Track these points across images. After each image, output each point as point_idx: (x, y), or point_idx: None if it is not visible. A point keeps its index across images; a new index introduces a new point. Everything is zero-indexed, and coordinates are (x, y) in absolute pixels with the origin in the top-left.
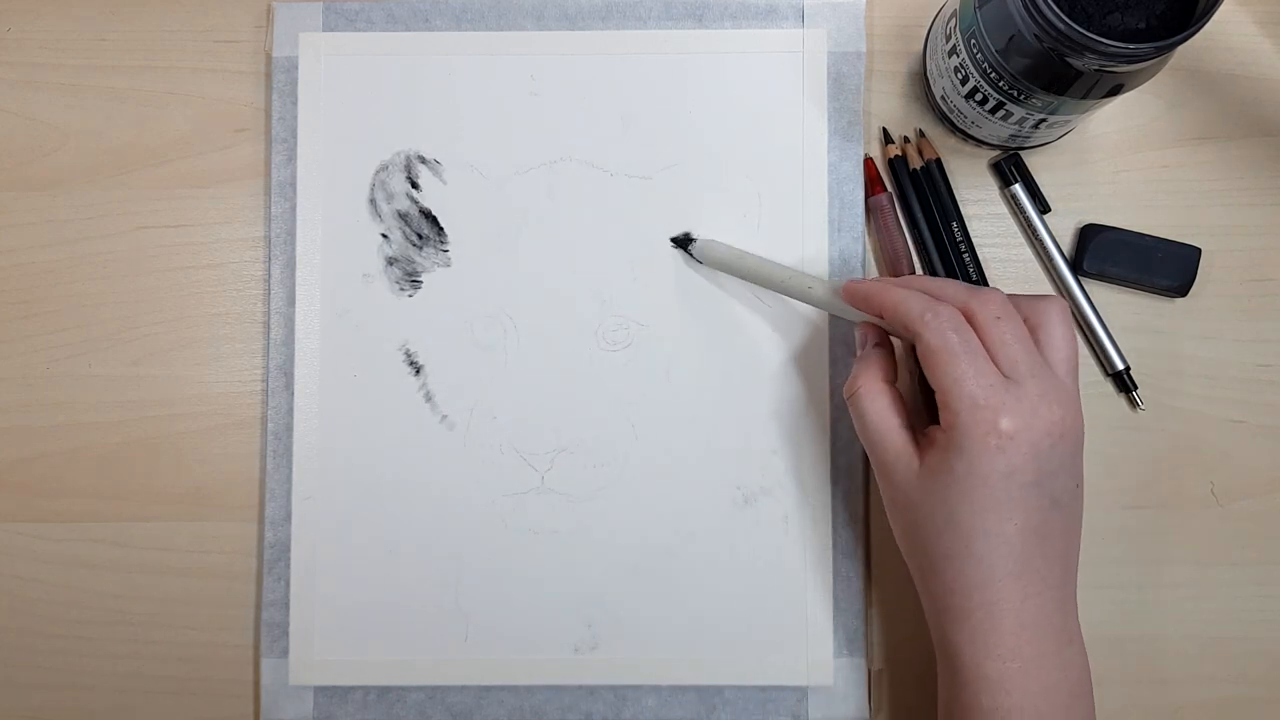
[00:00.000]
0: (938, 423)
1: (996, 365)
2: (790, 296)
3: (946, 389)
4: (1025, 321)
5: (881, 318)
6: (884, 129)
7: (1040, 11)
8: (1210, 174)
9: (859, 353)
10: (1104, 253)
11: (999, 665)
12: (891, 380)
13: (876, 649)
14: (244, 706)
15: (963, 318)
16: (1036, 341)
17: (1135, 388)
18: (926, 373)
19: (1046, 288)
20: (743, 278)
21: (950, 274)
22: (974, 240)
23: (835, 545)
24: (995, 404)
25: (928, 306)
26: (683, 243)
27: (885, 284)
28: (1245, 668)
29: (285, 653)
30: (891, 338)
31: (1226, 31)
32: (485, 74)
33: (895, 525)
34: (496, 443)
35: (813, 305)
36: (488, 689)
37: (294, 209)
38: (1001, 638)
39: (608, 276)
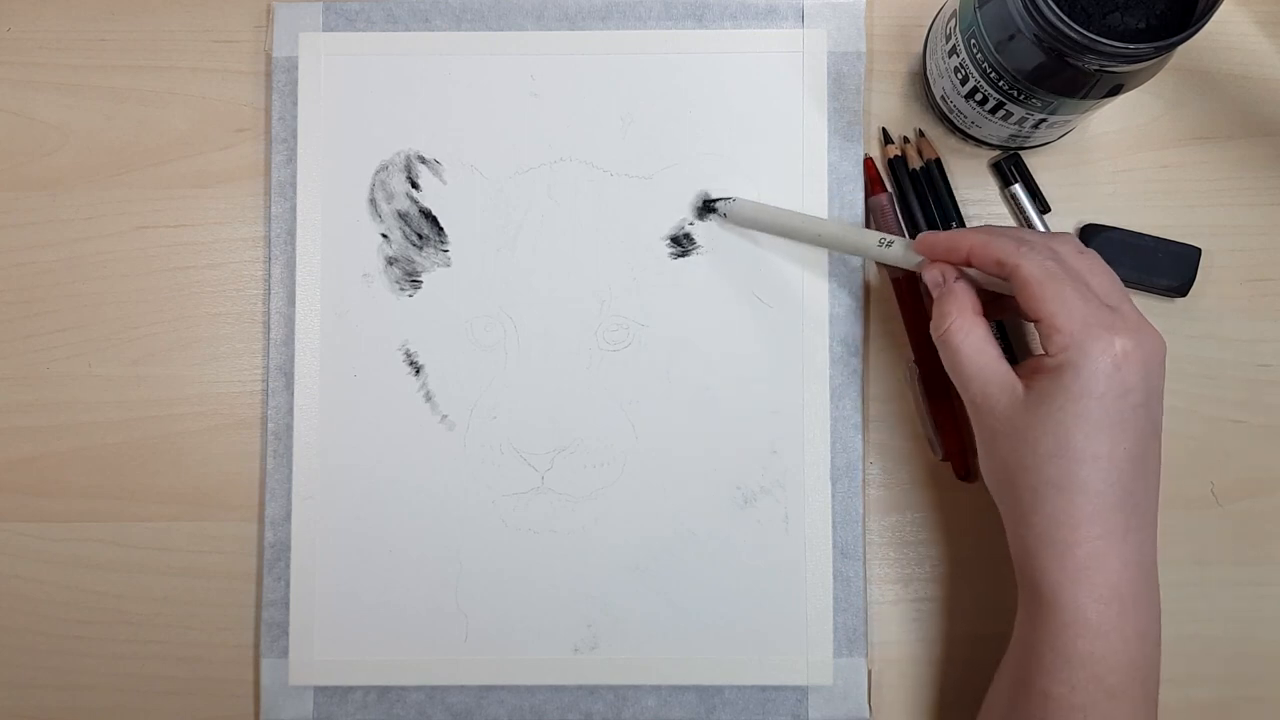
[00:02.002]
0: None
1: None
2: (835, 249)
3: (1054, 312)
4: None
5: (968, 261)
6: (884, 129)
7: (1040, 11)
8: (1210, 174)
9: (937, 293)
10: (1104, 253)
11: (1100, 608)
12: (980, 312)
13: (876, 649)
14: (244, 706)
15: (1053, 250)
16: None
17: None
18: (1026, 303)
19: None
20: (780, 234)
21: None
22: None
23: (835, 545)
24: (1107, 322)
25: (1020, 239)
26: (706, 207)
27: (965, 229)
28: (1245, 668)
29: (285, 653)
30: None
31: (1226, 31)
32: (485, 74)
33: (991, 461)
34: (496, 443)
35: (862, 255)
36: (487, 689)
37: (294, 209)
38: (1106, 576)
39: (607, 276)
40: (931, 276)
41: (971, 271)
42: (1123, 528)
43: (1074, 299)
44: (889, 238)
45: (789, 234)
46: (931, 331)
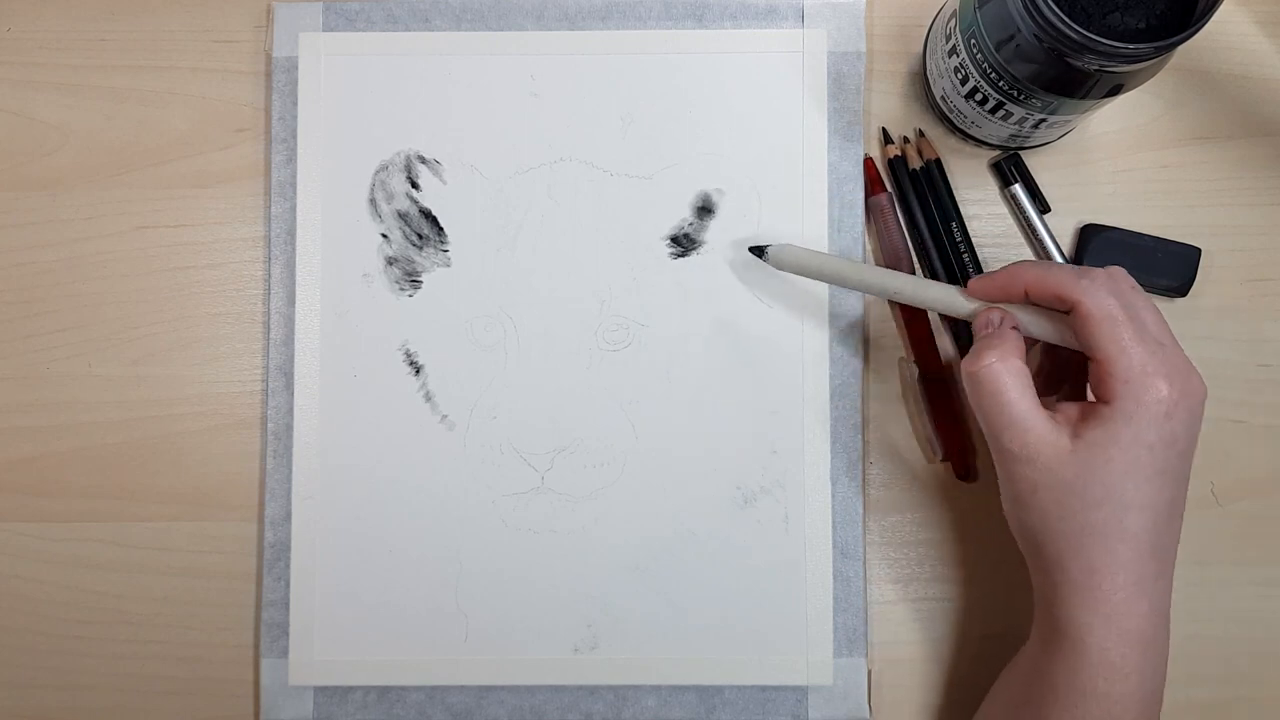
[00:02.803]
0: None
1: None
2: (874, 294)
3: (1112, 356)
4: None
5: (1025, 296)
6: (884, 129)
7: (1040, 11)
8: (1210, 174)
9: (984, 334)
10: (1104, 253)
11: (1124, 650)
12: (1024, 358)
13: (876, 649)
14: (244, 706)
15: (1114, 284)
16: None
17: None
18: (1086, 340)
19: None
20: (824, 280)
21: (950, 275)
22: (974, 240)
23: (835, 545)
24: (1159, 370)
25: (1082, 273)
26: (758, 252)
27: (1019, 265)
28: (1245, 668)
29: (285, 653)
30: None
31: (1226, 31)
32: (485, 74)
33: (1022, 510)
34: (496, 443)
35: (901, 301)
36: (487, 689)
37: (294, 209)
38: (1135, 622)
39: (607, 276)
40: (986, 318)
41: (1023, 318)
42: (1154, 573)
43: (1132, 342)
44: (916, 280)
45: (837, 282)
46: (965, 365)
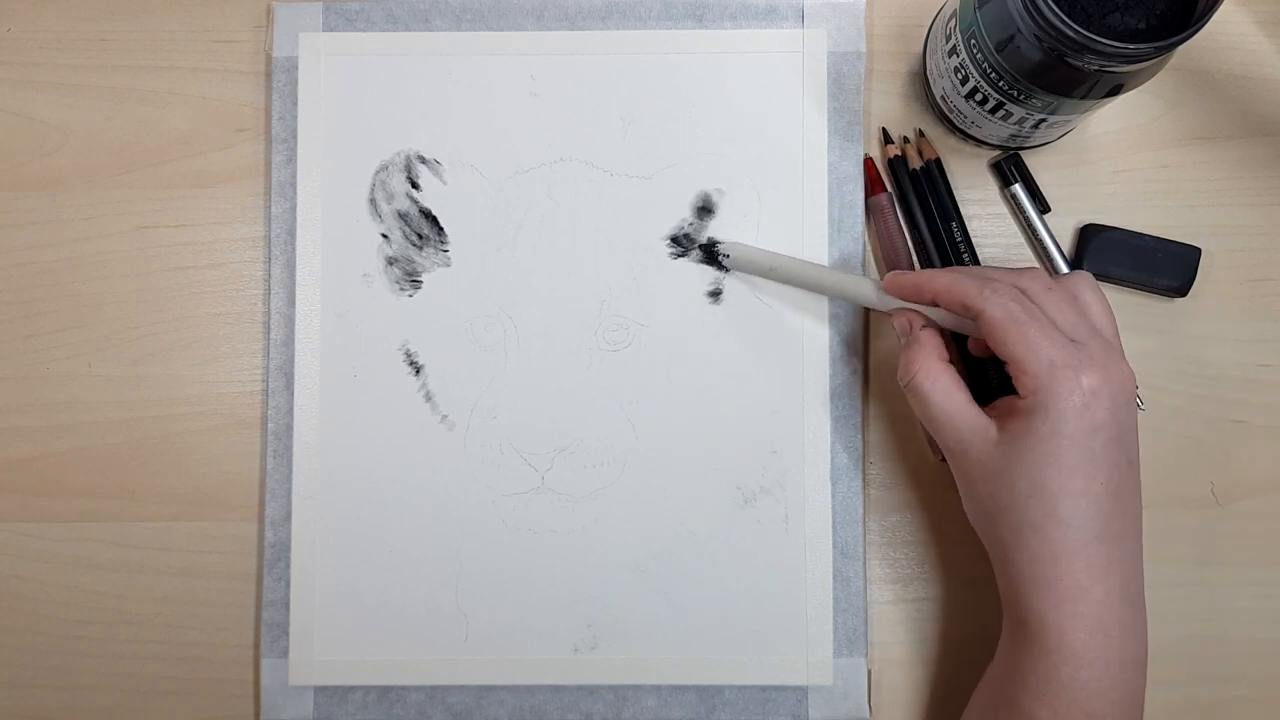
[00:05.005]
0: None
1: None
2: (825, 294)
3: (1021, 355)
4: None
5: (934, 303)
6: (884, 129)
7: (1040, 11)
8: (1210, 174)
9: (903, 340)
10: (1104, 253)
11: (1084, 637)
12: (947, 359)
13: (876, 649)
14: (244, 706)
15: (1018, 290)
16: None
17: (1135, 388)
18: (994, 345)
19: None
20: (774, 279)
21: None
22: (974, 240)
23: (835, 545)
24: (1073, 362)
25: (984, 282)
26: (708, 249)
27: (932, 271)
28: (1245, 668)
29: (285, 653)
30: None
31: (1226, 31)
32: (485, 74)
33: (971, 503)
34: (496, 443)
35: (850, 300)
36: (487, 689)
37: (294, 209)
38: (1090, 607)
39: (607, 276)
40: (900, 324)
41: (939, 313)
42: (1105, 559)
43: (1039, 340)
44: (860, 279)
45: (787, 280)
46: (899, 380)
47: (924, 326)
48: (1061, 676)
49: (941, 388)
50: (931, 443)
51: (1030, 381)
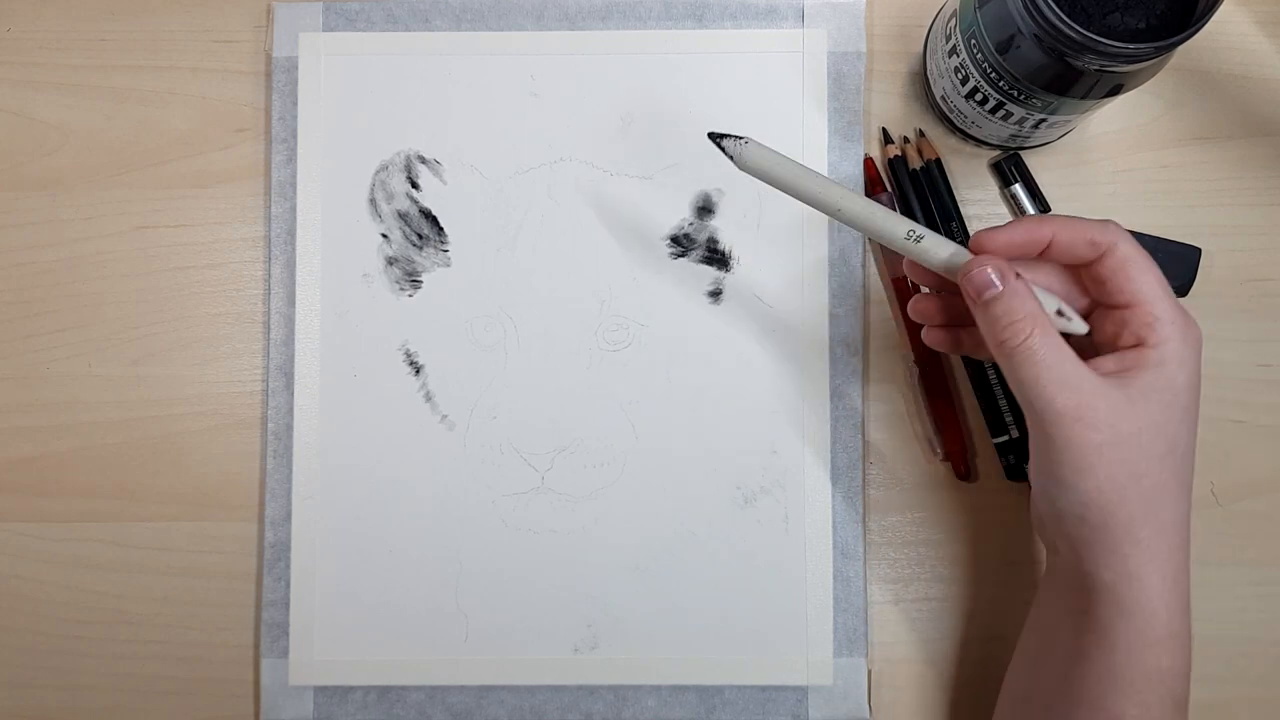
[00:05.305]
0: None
1: None
2: (845, 221)
3: (1156, 297)
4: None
5: (1045, 249)
6: (884, 129)
7: (1040, 11)
8: (1210, 174)
9: (987, 295)
10: None
11: (1184, 619)
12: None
13: (876, 649)
14: (244, 706)
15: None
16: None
17: None
18: (1121, 283)
19: None
20: (794, 195)
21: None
22: None
23: (835, 545)
24: (1184, 313)
25: (1102, 221)
26: (719, 139)
27: (1034, 217)
28: (1245, 668)
29: (285, 653)
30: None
31: (1226, 31)
32: (485, 74)
33: (1090, 477)
34: (496, 443)
35: (874, 235)
36: (487, 689)
37: (294, 209)
38: (1187, 582)
39: (607, 276)
40: (984, 276)
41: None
42: (1190, 525)
43: (1164, 283)
44: (919, 230)
45: (803, 198)
46: (997, 343)
47: (1018, 276)
48: (1162, 666)
49: (1057, 345)
50: (931, 443)
51: (1164, 328)
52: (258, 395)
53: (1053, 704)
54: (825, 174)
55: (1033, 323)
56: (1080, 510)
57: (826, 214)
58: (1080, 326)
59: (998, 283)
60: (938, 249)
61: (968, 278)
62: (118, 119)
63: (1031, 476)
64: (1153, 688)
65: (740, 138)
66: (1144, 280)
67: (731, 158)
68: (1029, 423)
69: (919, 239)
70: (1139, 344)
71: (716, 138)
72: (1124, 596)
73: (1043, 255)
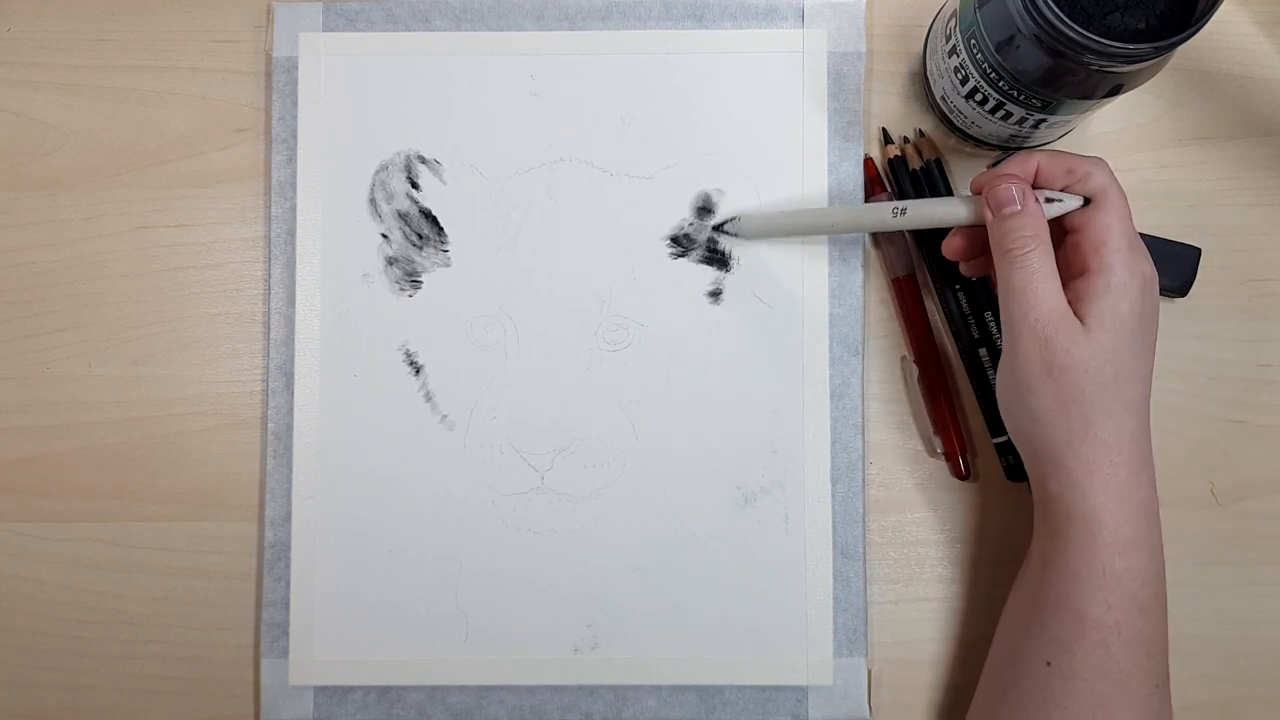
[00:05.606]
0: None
1: None
2: (853, 232)
3: (1106, 226)
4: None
5: (1034, 176)
6: (884, 129)
7: (1040, 11)
8: (1210, 174)
9: (1005, 211)
10: None
11: (1136, 524)
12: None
13: (876, 649)
14: (244, 706)
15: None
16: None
17: None
18: (1095, 215)
19: None
20: (794, 234)
21: (951, 276)
22: None
23: (835, 545)
24: (1140, 246)
25: (1092, 156)
26: (715, 233)
27: (1022, 151)
28: (1245, 668)
29: (285, 653)
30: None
31: (1226, 31)
32: (485, 74)
33: (1037, 398)
34: (496, 443)
35: (881, 230)
36: (487, 689)
37: (294, 209)
38: (1142, 493)
39: (608, 276)
40: (1008, 192)
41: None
42: (1148, 444)
43: (1126, 220)
44: (900, 204)
45: (803, 232)
46: (1004, 250)
47: (1037, 200)
48: (1116, 568)
49: (1052, 270)
50: (931, 442)
51: (1109, 255)
52: (258, 395)
53: (1029, 611)
54: (825, 173)
55: (1039, 241)
56: (1030, 426)
57: (825, 234)
58: (1074, 200)
59: (1019, 202)
60: (925, 209)
61: (993, 192)
62: (118, 119)
63: (998, 395)
64: (1111, 587)
65: (733, 217)
66: (1104, 209)
67: (735, 235)
68: (1004, 333)
69: (903, 211)
70: (1085, 270)
71: (717, 228)
72: (1070, 503)
73: (1033, 184)
